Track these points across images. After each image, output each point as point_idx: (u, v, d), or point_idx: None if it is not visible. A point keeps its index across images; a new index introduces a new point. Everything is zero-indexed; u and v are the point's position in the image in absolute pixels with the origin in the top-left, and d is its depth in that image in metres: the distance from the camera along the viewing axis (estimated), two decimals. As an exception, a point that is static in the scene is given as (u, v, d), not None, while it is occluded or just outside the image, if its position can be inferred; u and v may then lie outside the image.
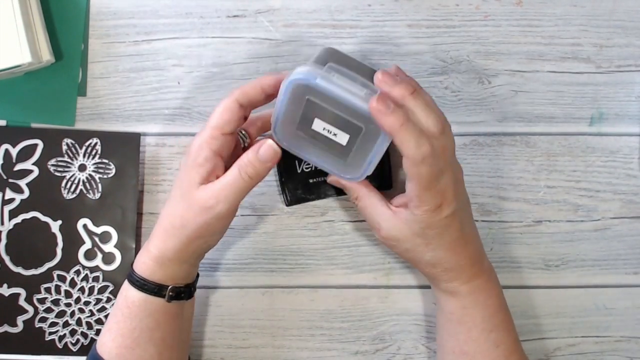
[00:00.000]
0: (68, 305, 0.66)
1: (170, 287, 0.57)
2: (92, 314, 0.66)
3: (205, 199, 0.54)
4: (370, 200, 0.58)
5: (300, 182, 0.65)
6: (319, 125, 0.54)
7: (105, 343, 0.57)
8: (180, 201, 0.55)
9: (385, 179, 0.65)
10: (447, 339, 0.60)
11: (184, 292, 0.58)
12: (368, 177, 0.57)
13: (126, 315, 0.57)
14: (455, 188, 0.55)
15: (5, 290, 0.65)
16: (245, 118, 0.56)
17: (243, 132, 0.60)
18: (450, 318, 0.59)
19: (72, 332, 0.66)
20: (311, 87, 0.52)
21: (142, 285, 0.56)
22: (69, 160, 0.65)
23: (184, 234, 0.55)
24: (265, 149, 0.53)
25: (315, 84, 0.51)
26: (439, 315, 0.61)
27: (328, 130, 0.54)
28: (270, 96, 0.56)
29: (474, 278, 0.58)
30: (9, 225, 0.65)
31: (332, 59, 0.54)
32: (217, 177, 0.55)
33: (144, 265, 0.57)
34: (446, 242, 0.56)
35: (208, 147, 0.54)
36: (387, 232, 0.57)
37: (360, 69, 0.55)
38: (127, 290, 0.57)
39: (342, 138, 0.54)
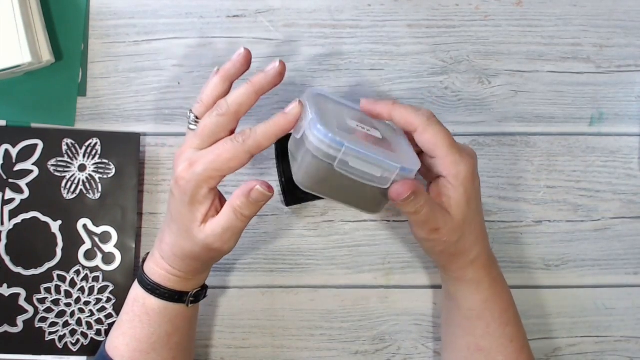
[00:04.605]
0: (68, 305, 0.66)
1: (190, 292, 0.58)
2: (92, 314, 0.66)
3: (210, 242, 0.53)
4: (431, 204, 0.53)
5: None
6: (352, 121, 0.54)
7: (118, 347, 0.58)
8: (185, 238, 0.55)
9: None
10: (461, 336, 0.60)
11: (201, 293, 0.60)
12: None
13: (145, 322, 0.57)
14: (476, 161, 0.55)
15: (5, 290, 0.65)
16: None
17: None
18: (469, 314, 0.59)
19: (72, 332, 0.66)
20: (325, 97, 0.56)
21: (163, 294, 0.57)
22: (69, 160, 0.65)
23: (199, 263, 0.57)
24: (256, 194, 0.52)
25: (328, 94, 0.56)
26: (454, 313, 0.61)
27: (362, 127, 0.54)
28: None
29: (492, 268, 0.58)
30: (9, 225, 0.65)
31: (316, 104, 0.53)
32: (216, 210, 0.54)
33: (165, 278, 0.57)
34: (481, 219, 0.57)
35: (207, 187, 0.53)
36: (446, 227, 0.54)
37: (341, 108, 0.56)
38: (146, 299, 0.57)
39: (376, 133, 0.55)
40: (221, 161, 0.51)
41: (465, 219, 0.54)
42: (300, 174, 0.52)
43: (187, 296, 0.58)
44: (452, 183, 0.53)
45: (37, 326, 0.65)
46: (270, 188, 0.52)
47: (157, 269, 0.57)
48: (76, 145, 0.65)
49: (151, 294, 0.57)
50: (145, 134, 0.66)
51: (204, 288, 0.61)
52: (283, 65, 0.53)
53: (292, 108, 0.52)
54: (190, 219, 0.53)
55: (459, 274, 0.59)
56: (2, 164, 0.65)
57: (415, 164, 0.52)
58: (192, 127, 0.55)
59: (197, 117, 0.54)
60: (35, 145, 0.65)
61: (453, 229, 0.54)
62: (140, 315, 0.57)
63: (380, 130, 0.55)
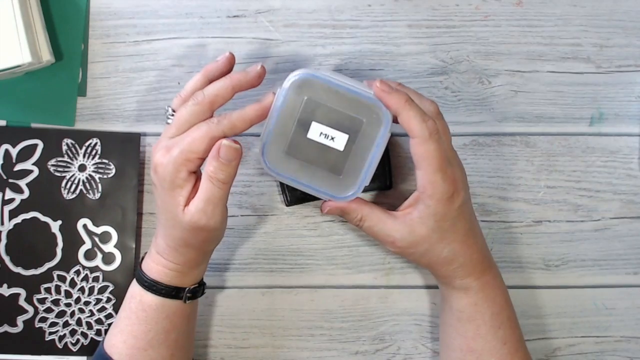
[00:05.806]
0: (68, 305, 0.66)
1: (187, 288, 0.58)
2: (92, 314, 0.66)
3: (195, 220, 0.53)
4: (376, 216, 0.57)
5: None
6: (315, 130, 0.55)
7: (116, 344, 0.58)
8: (173, 225, 0.55)
9: (386, 179, 0.65)
10: (454, 337, 0.60)
11: (198, 290, 0.60)
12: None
13: (142, 319, 0.57)
14: (463, 178, 0.56)
15: (5, 290, 0.65)
16: None
17: None
18: (460, 316, 0.59)
19: (72, 332, 0.66)
20: (313, 81, 0.54)
21: (160, 290, 0.57)
22: (69, 160, 0.65)
23: (193, 250, 0.56)
24: (225, 150, 0.52)
25: (319, 76, 0.54)
26: (447, 314, 0.61)
27: (325, 135, 0.55)
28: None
29: (484, 273, 0.58)
30: (9, 225, 0.65)
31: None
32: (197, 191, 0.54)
33: (162, 273, 0.57)
34: (460, 234, 0.56)
35: (185, 169, 0.53)
36: (403, 241, 0.57)
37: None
38: (143, 296, 0.57)
39: (340, 141, 0.55)
40: (197, 143, 0.52)
41: (431, 234, 0.56)
42: None
43: (184, 292, 0.58)
44: (424, 201, 0.55)
45: (37, 326, 0.65)
46: (236, 141, 0.52)
47: (153, 264, 0.57)
48: (76, 145, 0.65)
49: (148, 290, 0.57)
50: (145, 134, 0.66)
51: (202, 285, 0.60)
52: (264, 70, 0.55)
53: (266, 98, 0.54)
54: (173, 204, 0.54)
55: (445, 280, 0.60)
56: (2, 164, 0.65)
57: (350, 195, 0.56)
58: (169, 121, 0.56)
59: (174, 111, 0.56)
60: (35, 145, 0.65)
61: (414, 242, 0.56)
62: (137, 312, 0.57)
63: (353, 135, 0.55)
